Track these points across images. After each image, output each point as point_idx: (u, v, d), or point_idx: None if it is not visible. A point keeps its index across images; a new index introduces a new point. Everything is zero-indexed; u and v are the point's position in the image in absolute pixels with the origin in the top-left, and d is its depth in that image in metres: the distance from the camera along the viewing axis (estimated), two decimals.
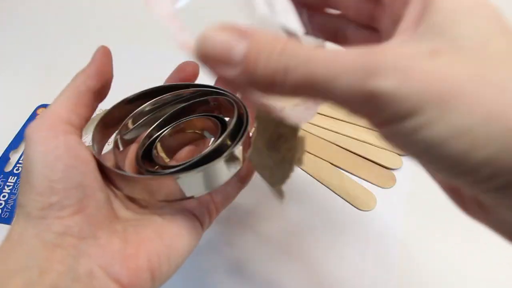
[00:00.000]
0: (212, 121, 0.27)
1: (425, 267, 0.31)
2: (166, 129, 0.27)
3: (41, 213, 0.18)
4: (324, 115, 0.40)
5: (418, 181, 0.35)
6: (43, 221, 0.18)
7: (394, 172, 0.36)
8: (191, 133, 0.28)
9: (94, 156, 0.21)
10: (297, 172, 0.36)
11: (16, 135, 0.39)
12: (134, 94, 0.27)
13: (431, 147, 0.12)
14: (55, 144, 0.19)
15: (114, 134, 0.26)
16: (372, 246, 0.32)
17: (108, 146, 0.26)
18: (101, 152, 0.25)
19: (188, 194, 0.22)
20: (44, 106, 0.42)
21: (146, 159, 0.26)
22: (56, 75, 0.47)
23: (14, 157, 0.38)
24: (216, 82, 0.27)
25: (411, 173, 0.36)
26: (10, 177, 0.36)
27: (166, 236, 0.21)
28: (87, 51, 0.48)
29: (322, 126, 0.39)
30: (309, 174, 0.36)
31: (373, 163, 0.36)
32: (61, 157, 0.19)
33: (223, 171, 0.22)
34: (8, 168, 0.37)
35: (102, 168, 0.22)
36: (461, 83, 0.12)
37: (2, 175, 0.36)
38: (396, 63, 0.12)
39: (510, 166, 0.12)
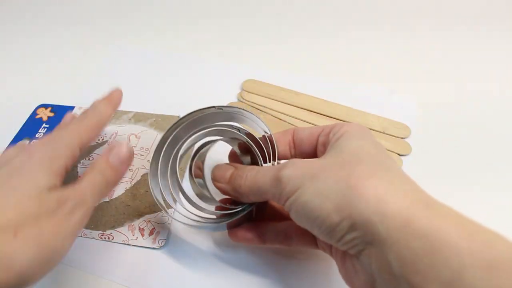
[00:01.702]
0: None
1: None
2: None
3: None
4: (325, 115, 0.40)
5: (418, 181, 0.35)
6: None
7: None
8: None
9: None
10: None
11: (16, 135, 0.39)
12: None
13: (305, 206, 0.21)
14: None
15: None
16: None
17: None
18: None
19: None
20: (45, 106, 0.42)
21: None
22: (56, 75, 0.47)
23: None
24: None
25: (411, 173, 0.36)
26: None
27: None
28: (88, 52, 0.48)
29: None
30: None
31: None
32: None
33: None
34: None
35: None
36: (326, 167, 0.21)
37: None
38: (295, 162, 0.23)
39: (352, 211, 0.19)
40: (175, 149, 0.29)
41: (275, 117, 0.40)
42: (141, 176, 0.35)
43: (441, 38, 0.50)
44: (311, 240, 0.26)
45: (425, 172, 0.36)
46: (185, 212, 0.28)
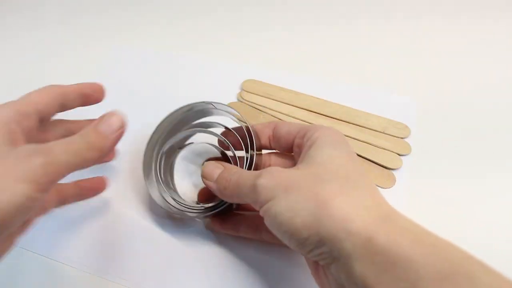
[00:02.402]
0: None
1: None
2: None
3: None
4: (324, 115, 0.40)
5: (418, 181, 0.35)
6: None
7: (394, 172, 0.36)
8: None
9: None
10: None
11: None
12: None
13: (276, 218, 0.22)
14: None
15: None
16: None
17: None
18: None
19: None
20: None
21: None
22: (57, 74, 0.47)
23: None
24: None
25: (411, 173, 0.36)
26: None
27: None
28: (88, 52, 0.48)
29: None
30: None
31: (373, 163, 0.36)
32: None
33: None
34: None
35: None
36: (298, 181, 0.23)
37: None
38: (271, 171, 0.24)
39: (319, 229, 0.21)
40: (164, 145, 0.32)
41: (275, 117, 0.40)
42: None
43: (441, 38, 0.50)
44: None
45: (425, 172, 0.36)
46: (175, 203, 0.31)
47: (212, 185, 0.28)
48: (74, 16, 0.55)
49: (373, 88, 0.44)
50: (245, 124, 0.30)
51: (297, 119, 0.40)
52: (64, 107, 0.27)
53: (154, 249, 0.31)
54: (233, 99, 0.43)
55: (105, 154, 0.24)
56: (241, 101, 0.42)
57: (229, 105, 0.31)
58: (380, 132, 0.39)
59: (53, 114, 0.27)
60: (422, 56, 0.48)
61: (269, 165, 0.30)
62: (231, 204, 0.29)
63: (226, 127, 0.32)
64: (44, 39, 0.51)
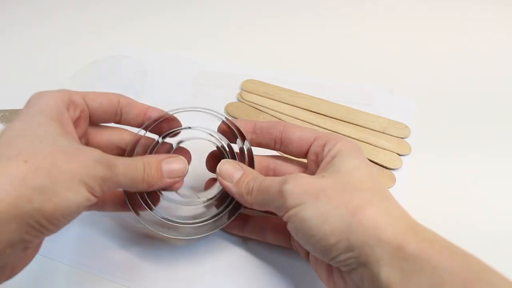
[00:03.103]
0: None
1: None
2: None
3: None
4: (324, 115, 0.40)
5: (418, 181, 0.35)
6: None
7: (394, 172, 0.36)
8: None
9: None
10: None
11: None
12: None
13: (303, 223, 0.23)
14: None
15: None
16: None
17: None
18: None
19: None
20: None
21: None
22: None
23: None
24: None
25: (411, 173, 0.36)
26: None
27: None
28: (89, 52, 0.48)
29: (323, 126, 0.39)
30: None
31: (373, 163, 0.36)
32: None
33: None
34: None
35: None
36: (326, 188, 0.23)
37: None
38: (297, 178, 0.24)
39: (349, 235, 0.21)
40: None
41: (275, 117, 0.40)
42: None
43: (442, 37, 0.50)
44: (284, 239, 0.29)
45: (424, 172, 0.36)
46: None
47: (231, 188, 0.27)
48: (75, 14, 0.55)
49: (373, 88, 0.44)
50: (225, 118, 0.28)
51: (297, 119, 0.40)
52: (119, 118, 0.28)
53: (155, 247, 0.31)
54: (233, 99, 0.43)
55: (153, 189, 0.26)
56: (241, 101, 0.42)
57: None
58: (380, 132, 0.39)
59: (107, 119, 0.28)
60: (422, 55, 0.48)
61: (273, 169, 0.30)
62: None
63: (224, 121, 0.29)
64: (43, 39, 0.51)
